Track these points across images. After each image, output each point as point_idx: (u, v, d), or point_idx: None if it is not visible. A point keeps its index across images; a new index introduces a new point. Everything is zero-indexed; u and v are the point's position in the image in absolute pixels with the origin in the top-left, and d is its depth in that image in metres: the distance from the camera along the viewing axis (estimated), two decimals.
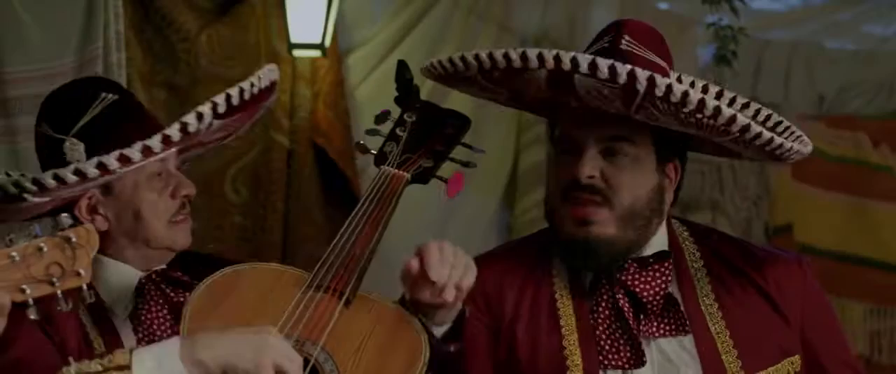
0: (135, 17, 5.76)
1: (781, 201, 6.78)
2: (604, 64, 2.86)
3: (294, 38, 5.96)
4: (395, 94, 3.23)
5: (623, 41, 3.05)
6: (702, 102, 2.86)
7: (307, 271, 3.01)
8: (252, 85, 3.07)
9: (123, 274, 3.12)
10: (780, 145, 2.97)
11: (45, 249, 2.44)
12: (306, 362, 2.84)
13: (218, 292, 2.95)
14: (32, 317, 2.45)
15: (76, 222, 3.06)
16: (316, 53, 6.00)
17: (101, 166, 2.95)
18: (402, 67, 3.24)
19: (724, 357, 3.06)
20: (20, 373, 2.82)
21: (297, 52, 6.00)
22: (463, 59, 3.04)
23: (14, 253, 2.44)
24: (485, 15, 6.38)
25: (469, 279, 2.90)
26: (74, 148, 3.06)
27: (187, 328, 2.88)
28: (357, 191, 5.85)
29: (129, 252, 3.13)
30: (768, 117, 3.14)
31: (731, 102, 3.19)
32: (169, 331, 3.10)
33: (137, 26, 5.79)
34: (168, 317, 3.11)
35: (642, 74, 2.85)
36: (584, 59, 2.87)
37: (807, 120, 6.38)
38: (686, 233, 3.20)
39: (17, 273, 2.44)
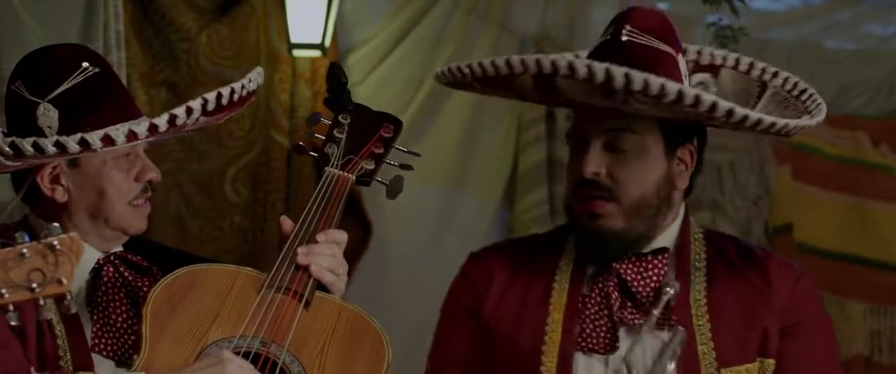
0: (135, 16, 5.76)
1: (781, 201, 6.78)
2: (581, 65, 2.88)
3: (294, 38, 5.96)
4: (325, 96, 3.27)
5: (624, 31, 3.06)
6: (680, 94, 2.88)
7: (262, 272, 3.03)
8: (242, 87, 3.07)
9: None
10: (773, 125, 2.98)
11: (28, 255, 2.41)
12: (274, 364, 2.87)
13: (175, 292, 2.96)
14: (13, 323, 2.43)
15: (38, 191, 3.07)
16: (316, 53, 5.99)
17: (83, 143, 2.93)
18: (335, 69, 3.26)
19: (700, 349, 3.09)
20: None
21: (297, 52, 6.00)
22: (459, 68, 3.11)
23: None
24: (485, 15, 6.37)
25: (323, 276, 3.00)
26: (47, 114, 3.02)
27: (149, 330, 2.89)
28: (356, 191, 5.85)
29: (86, 230, 3.10)
30: (785, 81, 3.16)
31: (749, 69, 3.21)
32: (124, 316, 3.09)
33: (137, 26, 5.79)
34: (125, 301, 3.10)
35: (618, 72, 2.87)
36: (563, 62, 2.90)
37: None
38: (700, 233, 3.22)
39: None
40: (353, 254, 5.89)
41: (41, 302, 2.42)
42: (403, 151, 3.24)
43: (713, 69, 3.22)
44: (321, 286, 3.05)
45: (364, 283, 5.78)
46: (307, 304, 2.99)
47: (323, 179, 3.15)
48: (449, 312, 3.26)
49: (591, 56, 3.12)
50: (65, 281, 2.43)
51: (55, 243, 2.42)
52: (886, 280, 6.74)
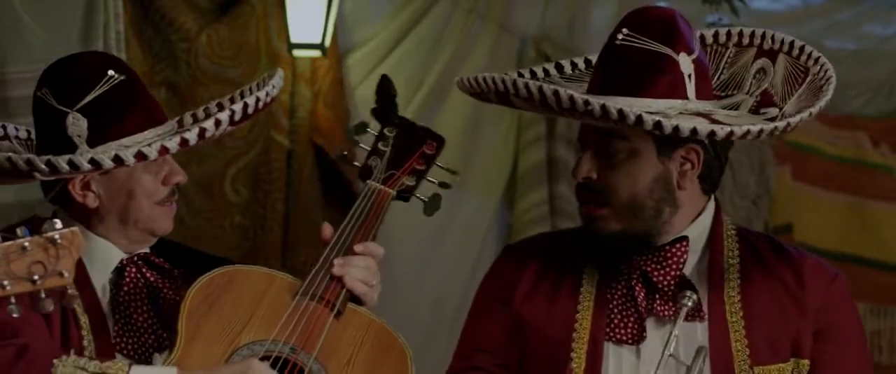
0: (135, 17, 5.76)
1: (781, 201, 6.78)
2: (521, 85, 3.02)
3: (294, 38, 5.97)
4: (373, 106, 3.34)
5: (620, 35, 3.10)
6: (621, 113, 2.95)
7: (297, 278, 3.10)
8: (267, 94, 3.13)
9: (108, 252, 3.16)
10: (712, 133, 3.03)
11: (29, 248, 2.44)
12: (301, 371, 2.94)
13: (212, 292, 3.03)
14: (14, 315, 2.45)
15: (68, 196, 3.13)
16: (316, 53, 6.00)
17: (117, 160, 2.99)
18: (385, 82, 3.35)
19: (733, 345, 3.13)
20: (24, 357, 2.88)
21: (297, 52, 6.00)
22: (484, 80, 3.15)
23: None
24: (485, 15, 6.38)
25: (356, 287, 3.10)
26: (77, 123, 3.08)
27: (184, 327, 2.96)
28: (356, 191, 5.85)
29: (115, 232, 3.17)
30: (821, 68, 3.18)
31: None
32: (146, 316, 3.14)
33: (137, 26, 5.80)
34: (146, 301, 3.15)
35: (563, 93, 2.98)
36: (509, 82, 3.05)
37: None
38: (733, 230, 3.26)
39: None
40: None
41: (42, 295, 2.45)
42: (443, 168, 3.31)
43: (772, 54, 3.24)
44: (354, 298, 3.12)
45: None
46: (339, 314, 3.05)
47: (364, 192, 3.23)
48: (480, 301, 3.31)
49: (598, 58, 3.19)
50: (66, 274, 2.46)
51: (56, 236, 2.45)
52: (886, 280, 6.74)
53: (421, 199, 3.28)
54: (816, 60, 3.19)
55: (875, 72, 6.83)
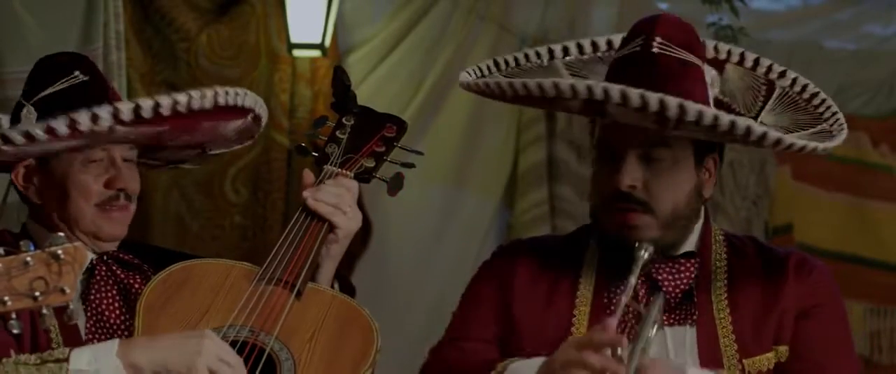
0: (135, 17, 5.76)
1: (781, 201, 6.78)
2: (635, 94, 2.89)
3: (294, 38, 5.97)
4: (332, 100, 3.34)
5: (655, 43, 3.05)
6: (732, 124, 2.92)
7: (257, 266, 3.09)
8: (176, 102, 3.01)
9: None
10: (814, 148, 3.03)
11: (31, 263, 2.41)
12: (262, 351, 2.92)
13: (169, 287, 3.02)
14: (15, 331, 2.43)
15: (25, 199, 3.16)
16: (316, 53, 6.00)
17: (27, 136, 2.98)
18: (339, 73, 3.34)
19: (721, 341, 3.13)
20: None
21: (297, 52, 6.00)
22: (498, 85, 3.07)
23: None
24: (485, 15, 6.38)
25: (319, 208, 3.09)
26: (28, 116, 3.12)
27: (141, 323, 2.95)
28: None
29: (67, 232, 3.14)
30: (794, 82, 3.17)
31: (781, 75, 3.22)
32: (117, 312, 3.13)
33: (137, 26, 5.80)
34: (117, 298, 3.15)
35: (672, 102, 2.89)
36: (616, 90, 2.90)
37: None
38: (721, 236, 3.26)
39: None
40: (353, 254, 5.88)
41: (44, 311, 2.41)
42: (407, 149, 3.29)
43: (718, 64, 3.21)
44: (314, 278, 3.10)
45: (364, 283, 5.77)
46: (299, 294, 3.04)
47: (320, 176, 3.20)
48: (473, 294, 3.26)
49: (620, 64, 3.11)
50: (68, 290, 2.42)
51: (59, 252, 2.42)
52: (886, 280, 6.74)
53: (382, 179, 3.25)
54: (782, 74, 3.19)
55: (875, 72, 6.82)
